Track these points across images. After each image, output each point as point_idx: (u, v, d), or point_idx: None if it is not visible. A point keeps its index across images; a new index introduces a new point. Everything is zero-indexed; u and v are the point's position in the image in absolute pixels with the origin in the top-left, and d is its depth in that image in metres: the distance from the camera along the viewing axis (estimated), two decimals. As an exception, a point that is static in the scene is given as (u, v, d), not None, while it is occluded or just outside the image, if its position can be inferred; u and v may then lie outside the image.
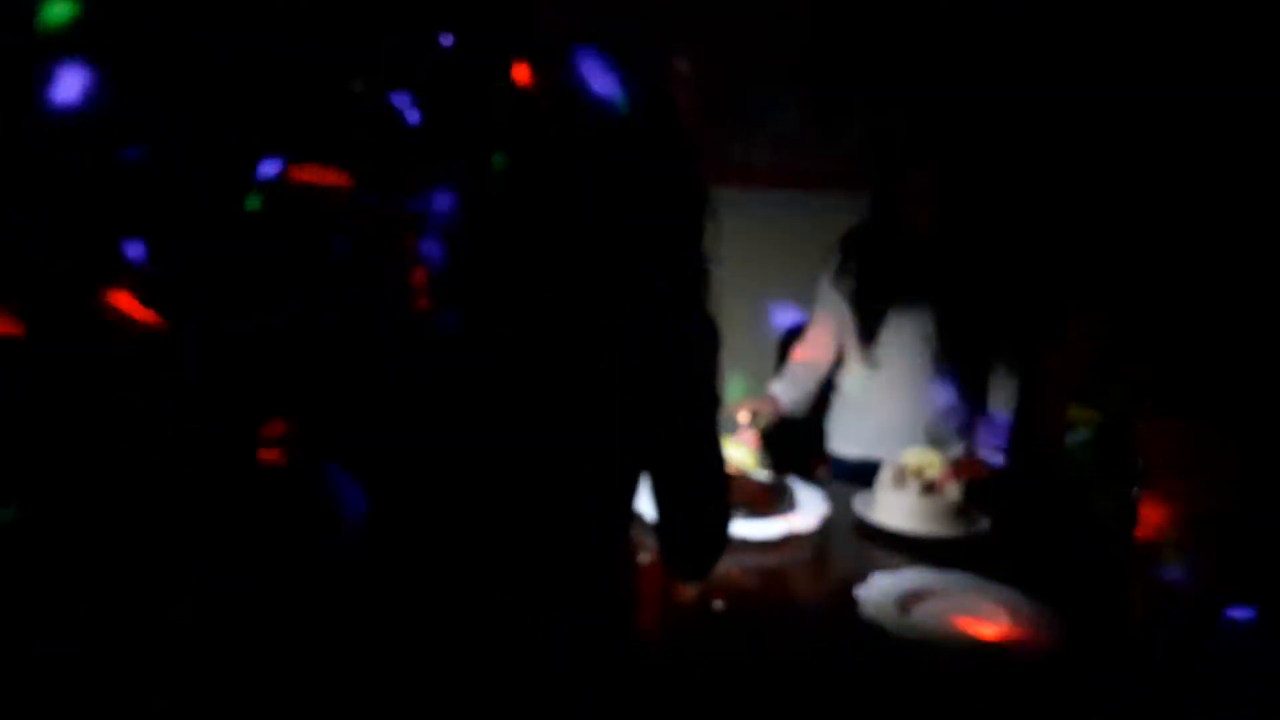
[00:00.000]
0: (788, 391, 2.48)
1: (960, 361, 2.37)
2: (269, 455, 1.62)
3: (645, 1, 2.81)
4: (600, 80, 1.08)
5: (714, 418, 1.25)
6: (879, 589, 1.70)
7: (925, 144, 2.34)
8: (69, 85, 1.81)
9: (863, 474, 2.31)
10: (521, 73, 1.09)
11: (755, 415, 2.31)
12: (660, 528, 1.25)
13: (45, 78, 1.78)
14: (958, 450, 2.39)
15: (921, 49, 2.86)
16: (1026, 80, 2.69)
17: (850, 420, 2.52)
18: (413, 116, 2.10)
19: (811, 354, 2.54)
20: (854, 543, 1.99)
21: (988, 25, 2.78)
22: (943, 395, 2.40)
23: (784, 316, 2.87)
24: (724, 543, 1.29)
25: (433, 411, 1.13)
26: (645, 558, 1.62)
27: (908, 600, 1.68)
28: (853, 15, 2.96)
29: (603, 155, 1.08)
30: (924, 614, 1.65)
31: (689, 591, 1.67)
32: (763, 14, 2.97)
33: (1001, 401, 2.42)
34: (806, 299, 2.77)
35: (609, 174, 1.08)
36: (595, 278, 1.11)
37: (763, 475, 2.07)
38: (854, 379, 2.49)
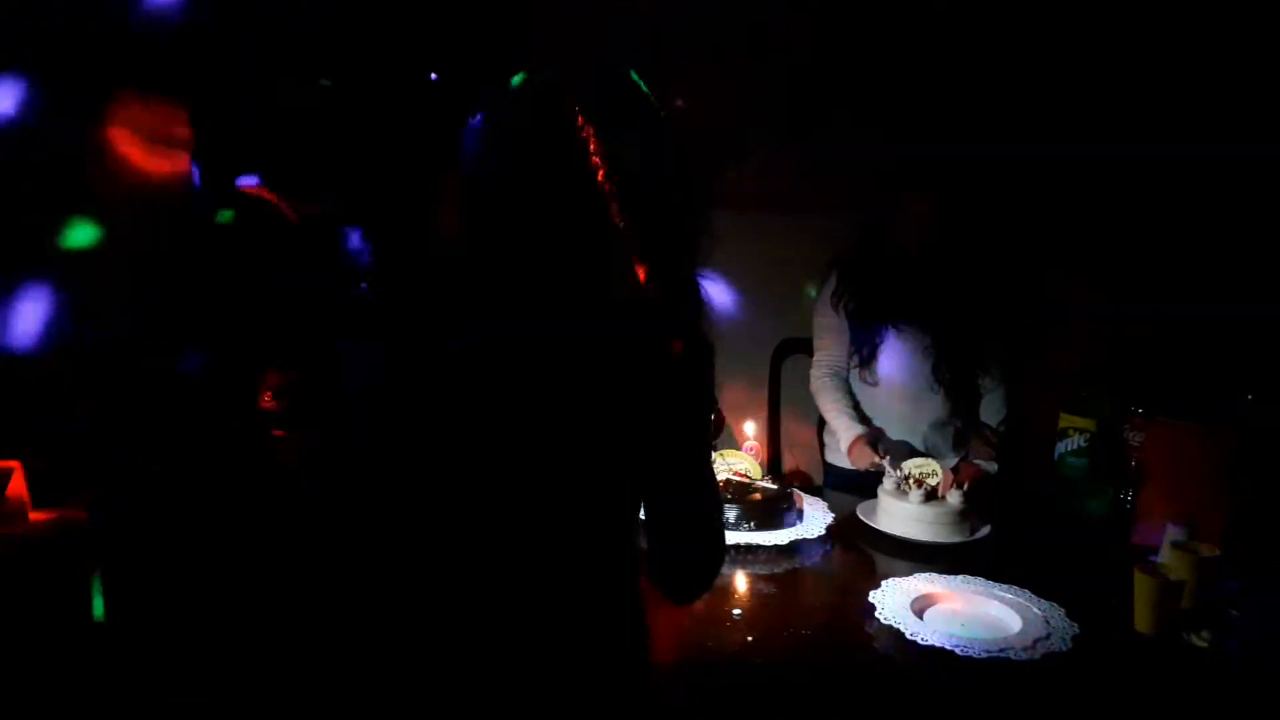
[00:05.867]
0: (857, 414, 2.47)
1: (955, 374, 2.40)
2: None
3: (632, 34, 2.84)
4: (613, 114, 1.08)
5: (706, 439, 1.23)
6: (893, 594, 1.71)
7: (922, 172, 2.37)
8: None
9: (859, 484, 2.33)
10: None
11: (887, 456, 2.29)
12: (650, 548, 1.21)
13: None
14: (954, 460, 2.41)
15: (911, 79, 2.91)
16: (1018, 101, 2.73)
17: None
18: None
19: (833, 371, 2.55)
20: (860, 549, 2.00)
21: (978, 48, 2.83)
22: (938, 407, 2.43)
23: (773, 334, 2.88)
24: (714, 569, 1.24)
25: (439, 426, 1.12)
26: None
27: (921, 604, 1.69)
28: (845, 43, 3.01)
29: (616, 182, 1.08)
30: (938, 617, 1.67)
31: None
32: (752, 47, 3.01)
33: (994, 412, 2.46)
34: (795, 315, 2.81)
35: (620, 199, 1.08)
36: (592, 296, 1.11)
37: (768, 484, 2.08)
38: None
